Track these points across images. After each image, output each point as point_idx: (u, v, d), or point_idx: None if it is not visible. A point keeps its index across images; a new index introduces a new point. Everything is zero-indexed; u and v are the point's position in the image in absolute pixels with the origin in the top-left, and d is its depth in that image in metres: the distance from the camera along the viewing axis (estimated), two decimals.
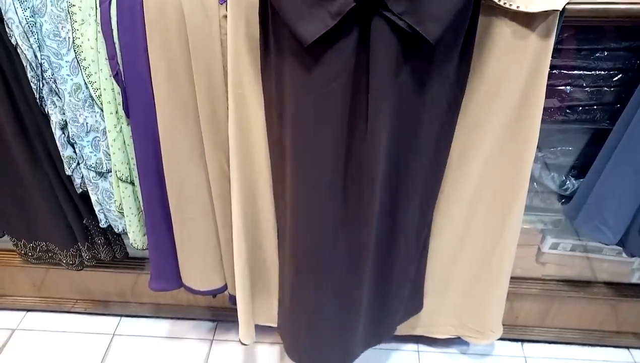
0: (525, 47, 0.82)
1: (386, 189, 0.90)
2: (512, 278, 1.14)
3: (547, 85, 0.86)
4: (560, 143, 1.06)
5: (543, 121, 0.89)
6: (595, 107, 0.96)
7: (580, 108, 0.96)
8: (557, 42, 0.84)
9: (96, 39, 0.87)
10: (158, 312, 1.49)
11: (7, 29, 0.87)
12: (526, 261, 1.27)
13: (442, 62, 0.77)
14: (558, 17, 0.80)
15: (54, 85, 0.92)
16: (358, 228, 0.94)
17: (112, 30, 0.85)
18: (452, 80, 0.81)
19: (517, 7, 0.79)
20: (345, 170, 0.87)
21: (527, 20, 0.80)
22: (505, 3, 0.79)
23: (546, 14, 0.79)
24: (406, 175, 0.90)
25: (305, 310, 1.06)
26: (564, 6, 0.79)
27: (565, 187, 1.08)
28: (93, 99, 0.92)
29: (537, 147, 0.92)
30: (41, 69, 0.90)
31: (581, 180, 1.04)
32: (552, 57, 0.84)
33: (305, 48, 0.68)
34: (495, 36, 0.83)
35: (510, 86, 0.86)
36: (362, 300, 1.06)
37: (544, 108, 0.88)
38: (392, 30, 0.68)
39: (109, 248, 1.25)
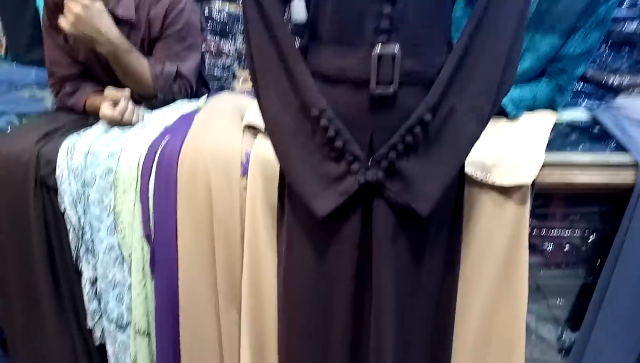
0: (503, 212, 0.94)
1: (395, 343, 0.91)
2: None
3: (531, 244, 0.96)
4: (552, 296, 1.12)
5: (532, 277, 0.96)
6: (577, 264, 1.05)
7: (564, 264, 1.05)
8: (534, 207, 0.97)
9: (134, 205, 1.01)
10: None
11: (59, 197, 1.02)
12: None
13: (436, 228, 0.87)
14: (530, 188, 0.93)
15: (90, 245, 1.04)
16: None
17: (148, 198, 1.00)
18: (446, 243, 0.90)
19: (494, 181, 0.93)
20: (354, 321, 0.91)
21: (504, 190, 0.94)
22: (482, 179, 0.93)
23: (519, 186, 0.93)
24: (413, 325, 0.93)
25: None
26: (534, 179, 0.93)
27: (562, 339, 1.11)
28: (123, 258, 1.03)
29: (531, 300, 0.98)
30: (82, 231, 1.03)
31: (577, 332, 1.08)
32: (532, 219, 0.95)
33: (318, 219, 0.79)
34: (478, 203, 0.96)
35: (495, 246, 0.96)
36: None
37: (531, 264, 0.97)
38: (390, 206, 0.79)
39: None
